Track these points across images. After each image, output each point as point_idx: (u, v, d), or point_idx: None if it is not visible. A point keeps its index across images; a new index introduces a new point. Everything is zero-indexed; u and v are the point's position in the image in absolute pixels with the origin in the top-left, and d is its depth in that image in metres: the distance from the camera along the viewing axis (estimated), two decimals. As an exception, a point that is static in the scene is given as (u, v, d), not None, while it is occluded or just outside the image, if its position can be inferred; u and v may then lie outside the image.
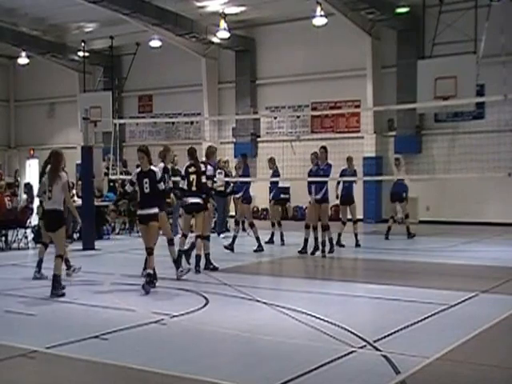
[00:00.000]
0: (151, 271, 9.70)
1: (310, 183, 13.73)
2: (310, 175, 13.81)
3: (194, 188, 11.29)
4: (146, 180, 9.73)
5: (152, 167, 9.89)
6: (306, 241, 13.75)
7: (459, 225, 19.60)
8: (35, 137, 30.67)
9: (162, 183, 10.25)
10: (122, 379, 5.82)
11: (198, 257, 11.46)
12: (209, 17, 22.88)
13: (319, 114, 23.31)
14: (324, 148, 13.63)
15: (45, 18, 24.62)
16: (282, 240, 15.70)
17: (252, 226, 14.40)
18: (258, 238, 14.18)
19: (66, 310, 8.01)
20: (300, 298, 9.24)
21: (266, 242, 15.47)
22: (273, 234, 15.95)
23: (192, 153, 11.60)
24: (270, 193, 16.02)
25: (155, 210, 9.75)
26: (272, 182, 15.92)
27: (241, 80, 25.12)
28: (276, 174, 15.68)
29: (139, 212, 9.90)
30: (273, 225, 16.07)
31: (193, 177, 11.32)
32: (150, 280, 9.60)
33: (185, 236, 11.69)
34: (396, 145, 22.18)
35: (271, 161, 15.77)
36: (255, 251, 14.10)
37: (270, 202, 16.17)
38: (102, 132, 25.15)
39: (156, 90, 27.35)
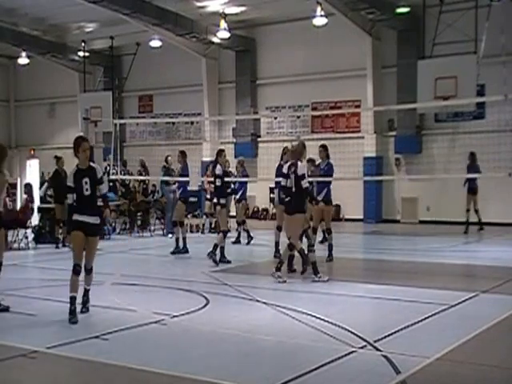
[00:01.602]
0: (76, 294, 7.86)
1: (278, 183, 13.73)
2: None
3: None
4: (86, 180, 8.00)
5: (91, 163, 8.21)
6: (277, 244, 13.19)
7: (459, 225, 19.56)
8: (35, 137, 30.67)
9: (306, 181, 10.36)
10: (122, 379, 5.82)
11: (221, 248, 12.48)
12: (209, 17, 22.88)
13: (319, 114, 23.30)
14: (323, 146, 13.06)
15: (45, 17, 24.62)
16: (249, 238, 16.07)
17: (181, 225, 14.19)
18: (183, 239, 14.08)
19: (66, 310, 7.99)
20: (300, 298, 9.24)
21: (233, 242, 15.68)
22: (239, 234, 16.18)
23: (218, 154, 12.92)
24: (238, 192, 16.33)
25: (98, 220, 8.13)
26: (240, 183, 16.16)
27: (241, 80, 25.11)
28: (244, 173, 16.46)
29: (78, 218, 7.95)
30: (239, 224, 16.23)
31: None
32: (73, 309, 7.75)
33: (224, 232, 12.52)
34: (396, 145, 22.18)
35: (239, 162, 16.61)
36: (172, 253, 13.93)
37: (237, 202, 16.49)
38: (102, 132, 25.11)
39: (156, 90, 27.36)
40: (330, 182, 12.87)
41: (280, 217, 13.66)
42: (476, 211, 18.22)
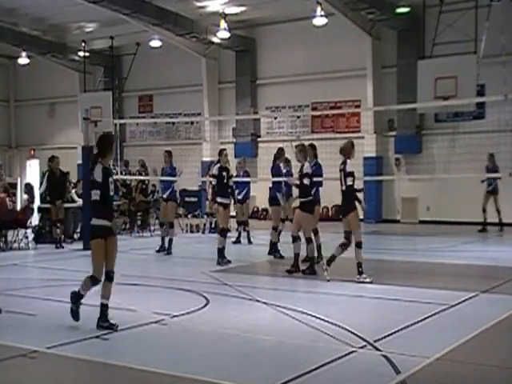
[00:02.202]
0: (108, 301, 7.38)
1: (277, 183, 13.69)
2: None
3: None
4: (111, 180, 7.46)
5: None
6: (275, 244, 13.40)
7: (459, 225, 19.58)
8: (36, 137, 30.66)
9: (351, 179, 10.40)
10: (122, 379, 5.82)
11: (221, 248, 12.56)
12: (209, 17, 22.88)
13: (319, 114, 23.29)
14: (311, 145, 12.70)
15: (45, 17, 24.61)
16: (249, 239, 16.11)
17: (171, 226, 14.28)
18: (169, 240, 14.08)
19: (66, 309, 7.98)
20: (300, 298, 9.24)
21: (234, 242, 15.67)
22: (240, 234, 16.23)
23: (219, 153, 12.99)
24: (241, 193, 16.15)
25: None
26: (242, 183, 16.04)
27: (241, 80, 25.11)
28: (245, 174, 16.48)
29: (99, 223, 7.34)
30: (239, 224, 16.24)
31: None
32: (110, 324, 7.26)
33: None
34: (396, 145, 22.18)
35: (240, 162, 16.73)
36: (157, 251, 14.07)
37: (240, 202, 16.35)
38: (102, 132, 25.11)
39: (156, 90, 27.34)
40: (317, 183, 12.46)
41: (277, 217, 13.69)
42: (498, 211, 18.38)
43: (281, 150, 13.86)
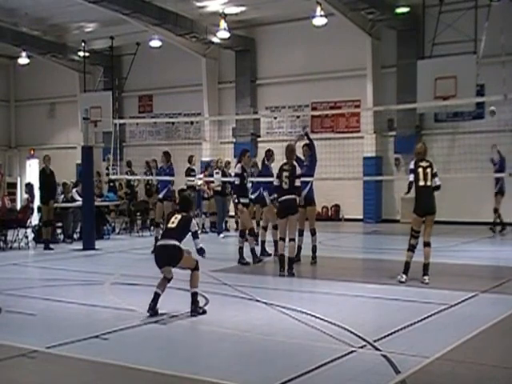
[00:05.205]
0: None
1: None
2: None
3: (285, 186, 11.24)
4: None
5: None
6: (276, 243, 13.22)
7: (459, 225, 19.56)
8: (35, 137, 30.66)
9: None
10: (122, 379, 5.82)
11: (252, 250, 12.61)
12: (209, 17, 22.88)
13: (319, 114, 23.31)
14: (307, 145, 12.78)
15: (45, 17, 24.59)
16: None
17: (158, 225, 14.35)
18: (155, 238, 13.99)
19: (65, 310, 8.00)
20: (300, 298, 9.24)
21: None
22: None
23: (242, 154, 12.93)
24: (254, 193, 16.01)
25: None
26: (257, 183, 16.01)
27: (241, 80, 25.12)
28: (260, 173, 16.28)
29: None
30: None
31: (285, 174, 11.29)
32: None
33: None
34: (396, 145, 22.19)
35: (254, 163, 16.37)
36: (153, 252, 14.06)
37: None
38: (102, 132, 25.17)
39: (156, 90, 27.35)
40: (311, 181, 12.55)
41: (274, 216, 13.69)
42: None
43: (269, 152, 13.96)
